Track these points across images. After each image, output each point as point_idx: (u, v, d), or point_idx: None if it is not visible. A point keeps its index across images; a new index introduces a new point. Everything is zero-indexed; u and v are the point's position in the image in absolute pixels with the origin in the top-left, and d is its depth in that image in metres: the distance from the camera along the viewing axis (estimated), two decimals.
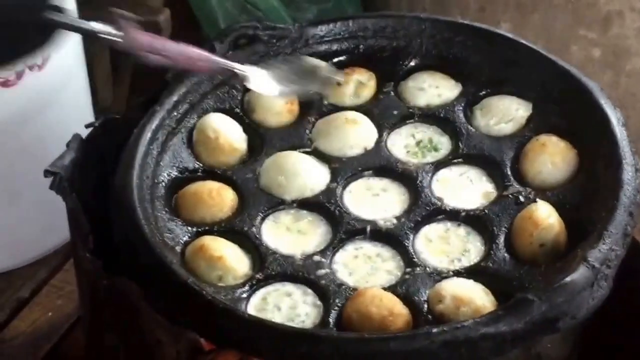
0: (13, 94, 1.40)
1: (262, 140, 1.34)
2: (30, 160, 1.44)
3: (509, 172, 1.29)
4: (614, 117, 1.29)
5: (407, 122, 1.37)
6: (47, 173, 1.22)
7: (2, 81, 1.38)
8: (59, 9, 1.15)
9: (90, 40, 1.57)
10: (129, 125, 1.29)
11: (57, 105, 1.48)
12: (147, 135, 1.27)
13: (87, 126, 1.32)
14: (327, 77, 1.19)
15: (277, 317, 1.13)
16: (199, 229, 1.23)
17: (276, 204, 1.26)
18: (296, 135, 1.35)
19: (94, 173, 1.26)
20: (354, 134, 1.33)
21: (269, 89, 1.19)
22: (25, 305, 1.54)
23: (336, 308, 1.15)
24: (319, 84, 1.19)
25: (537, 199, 1.23)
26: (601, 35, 1.77)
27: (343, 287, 1.17)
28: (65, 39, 1.28)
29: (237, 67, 1.21)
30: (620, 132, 1.27)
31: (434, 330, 1.07)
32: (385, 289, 1.16)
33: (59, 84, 1.45)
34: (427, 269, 1.19)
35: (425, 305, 1.15)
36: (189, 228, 1.23)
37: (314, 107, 1.38)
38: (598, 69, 1.79)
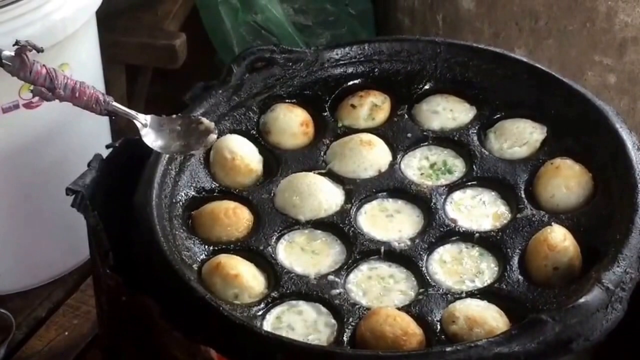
0: (36, 116, 1.43)
1: (278, 161, 1.36)
2: (52, 180, 1.46)
3: (523, 195, 1.30)
4: (629, 141, 1.30)
5: (422, 144, 1.39)
6: (68, 191, 1.25)
7: (26, 103, 1.41)
8: None
9: (106, 66, 1.60)
10: (148, 146, 1.30)
11: (78, 126, 1.51)
12: (166, 155, 1.28)
13: (107, 146, 1.35)
14: (205, 129, 1.25)
15: (291, 335, 1.14)
16: (216, 248, 1.25)
17: (291, 224, 1.28)
18: (311, 157, 1.36)
19: (113, 192, 1.28)
20: (369, 156, 1.35)
21: (154, 143, 1.24)
22: (42, 324, 1.55)
23: (350, 327, 1.16)
24: (197, 136, 1.25)
25: (553, 222, 1.24)
26: (616, 61, 1.78)
27: (357, 306, 1.18)
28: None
29: (133, 114, 1.25)
30: (635, 156, 1.28)
31: (448, 349, 1.08)
32: (399, 309, 1.17)
33: None
34: (441, 289, 1.20)
35: (439, 326, 1.16)
36: (206, 246, 1.25)
37: (329, 130, 1.40)
38: (614, 94, 1.80)
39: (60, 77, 1.20)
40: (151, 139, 1.24)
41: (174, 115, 1.27)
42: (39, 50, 1.19)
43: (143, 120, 1.25)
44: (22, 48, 1.17)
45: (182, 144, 1.25)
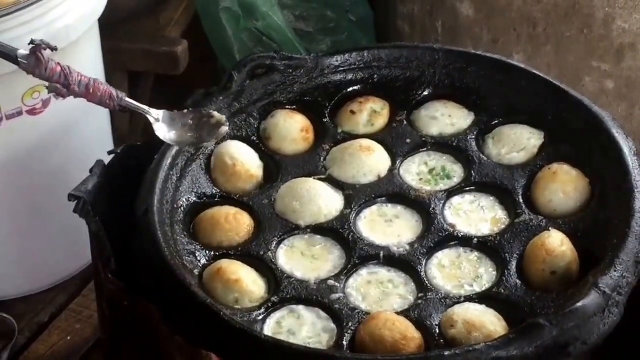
0: (40, 121, 1.44)
1: (278, 167, 1.37)
2: (54, 186, 1.47)
3: (521, 200, 1.31)
4: (626, 147, 1.31)
5: (420, 150, 1.40)
6: (71, 197, 1.26)
7: (29, 110, 1.42)
8: None
9: (109, 72, 1.62)
10: (150, 152, 1.32)
11: (80, 132, 1.52)
12: (168, 161, 1.30)
13: (109, 153, 1.36)
14: (217, 122, 1.28)
15: (291, 339, 1.15)
16: (217, 253, 1.26)
17: (291, 229, 1.29)
18: (311, 163, 1.37)
19: (115, 198, 1.29)
20: (368, 162, 1.36)
21: (167, 136, 1.27)
22: (45, 329, 1.56)
23: (350, 331, 1.17)
24: (209, 129, 1.28)
25: (550, 227, 1.25)
26: (614, 67, 1.79)
27: (356, 311, 1.19)
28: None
29: (145, 109, 1.28)
30: (632, 161, 1.29)
31: (446, 353, 1.09)
32: (398, 313, 1.18)
33: (82, 112, 1.48)
34: (440, 294, 1.21)
35: (438, 330, 1.17)
36: (207, 252, 1.26)
37: (329, 136, 1.41)
38: (612, 100, 1.81)
39: (75, 74, 1.23)
40: (164, 132, 1.27)
41: (185, 110, 1.30)
42: (53, 49, 1.22)
43: (155, 115, 1.27)
44: (37, 47, 1.20)
45: (195, 136, 1.27)
